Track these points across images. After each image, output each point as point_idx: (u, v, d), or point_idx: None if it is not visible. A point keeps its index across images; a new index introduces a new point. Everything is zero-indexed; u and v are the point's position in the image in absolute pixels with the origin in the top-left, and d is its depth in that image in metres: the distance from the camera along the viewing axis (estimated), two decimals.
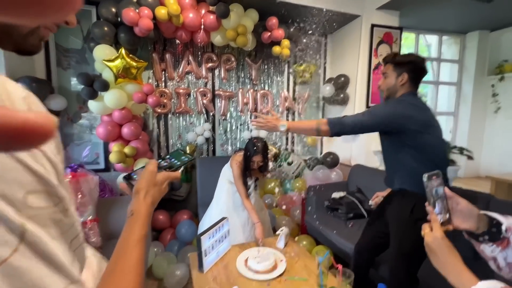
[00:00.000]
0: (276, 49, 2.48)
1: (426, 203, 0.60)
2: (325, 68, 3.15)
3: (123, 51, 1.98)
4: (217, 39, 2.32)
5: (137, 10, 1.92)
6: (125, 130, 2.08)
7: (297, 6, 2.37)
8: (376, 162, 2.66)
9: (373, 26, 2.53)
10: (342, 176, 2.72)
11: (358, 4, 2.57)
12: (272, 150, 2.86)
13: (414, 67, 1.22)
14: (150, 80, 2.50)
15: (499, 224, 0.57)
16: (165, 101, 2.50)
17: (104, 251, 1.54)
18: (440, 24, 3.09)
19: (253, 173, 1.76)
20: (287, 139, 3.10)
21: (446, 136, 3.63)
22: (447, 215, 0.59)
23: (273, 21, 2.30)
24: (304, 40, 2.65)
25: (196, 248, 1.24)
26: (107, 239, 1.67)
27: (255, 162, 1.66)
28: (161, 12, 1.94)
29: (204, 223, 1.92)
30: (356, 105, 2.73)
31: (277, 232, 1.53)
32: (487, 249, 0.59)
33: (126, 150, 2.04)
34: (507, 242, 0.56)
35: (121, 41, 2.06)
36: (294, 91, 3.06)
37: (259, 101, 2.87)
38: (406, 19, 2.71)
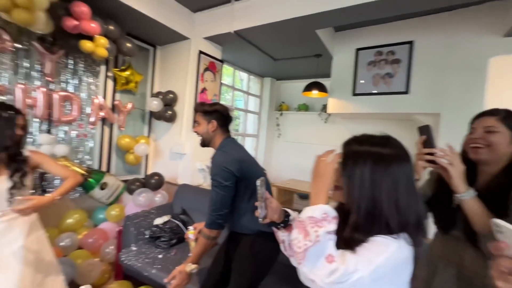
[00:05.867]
0: (87, 44, 1.95)
1: (257, 203, 0.79)
2: (153, 80, 2.94)
3: None
4: None
5: None
6: None
7: (121, 4, 2.02)
8: (201, 179, 2.81)
9: (200, 52, 2.71)
10: (168, 198, 2.60)
11: (188, 28, 2.65)
12: (78, 171, 2.18)
13: (220, 115, 1.37)
14: None
15: (288, 215, 0.82)
16: None
17: None
18: (248, 66, 3.94)
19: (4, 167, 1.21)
20: (100, 156, 2.51)
21: (252, 152, 4.66)
22: (265, 211, 0.79)
23: (82, 8, 1.79)
24: (129, 45, 2.31)
25: None
26: None
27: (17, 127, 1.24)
28: None
29: None
30: (184, 123, 2.76)
31: None
32: (280, 234, 0.82)
33: None
34: (291, 228, 0.80)
35: None
36: (113, 99, 2.56)
37: (57, 105, 2.10)
38: (226, 54, 3.18)
